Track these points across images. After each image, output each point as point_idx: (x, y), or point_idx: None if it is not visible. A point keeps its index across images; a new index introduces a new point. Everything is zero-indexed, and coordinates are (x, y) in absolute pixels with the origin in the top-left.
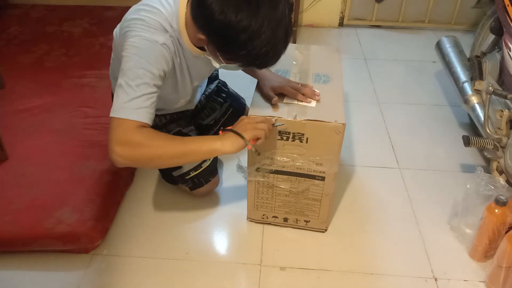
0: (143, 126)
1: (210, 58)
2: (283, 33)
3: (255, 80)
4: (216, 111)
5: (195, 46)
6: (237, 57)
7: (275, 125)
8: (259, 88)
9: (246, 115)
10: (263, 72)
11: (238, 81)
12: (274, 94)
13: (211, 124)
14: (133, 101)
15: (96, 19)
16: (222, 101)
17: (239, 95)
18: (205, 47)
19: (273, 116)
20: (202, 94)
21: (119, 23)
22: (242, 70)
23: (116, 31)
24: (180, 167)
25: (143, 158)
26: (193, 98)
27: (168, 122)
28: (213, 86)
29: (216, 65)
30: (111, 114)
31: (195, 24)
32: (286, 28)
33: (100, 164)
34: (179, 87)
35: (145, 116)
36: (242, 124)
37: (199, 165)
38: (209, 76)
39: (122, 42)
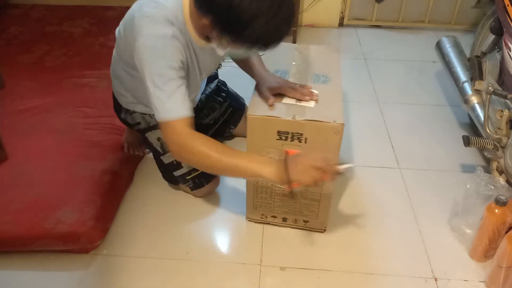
0: (190, 122)
1: (214, 45)
2: (285, 12)
3: (253, 80)
4: (215, 111)
5: (200, 36)
6: (241, 38)
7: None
8: (257, 88)
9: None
10: (262, 73)
11: (238, 81)
12: (271, 95)
13: (210, 123)
14: (168, 102)
15: (96, 19)
16: (221, 100)
17: (239, 95)
18: (210, 34)
19: (275, 116)
20: (202, 93)
21: (122, 21)
22: (241, 68)
23: (120, 29)
24: (181, 167)
25: (195, 162)
26: (195, 97)
27: None
28: (213, 85)
29: (221, 52)
30: (157, 117)
31: (198, 11)
32: (289, 7)
33: (100, 164)
34: (190, 80)
35: (185, 110)
36: (297, 160)
37: None
38: (208, 76)
39: (131, 43)
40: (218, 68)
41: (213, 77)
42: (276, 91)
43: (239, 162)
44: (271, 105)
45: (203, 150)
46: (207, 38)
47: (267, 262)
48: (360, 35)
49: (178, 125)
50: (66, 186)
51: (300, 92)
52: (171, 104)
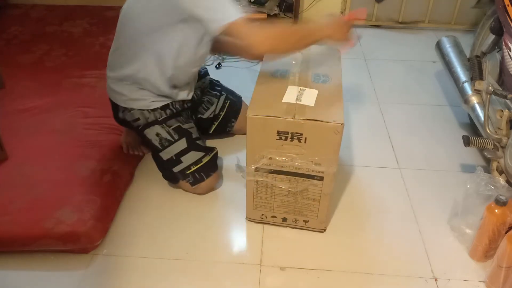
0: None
1: None
2: None
3: (253, 80)
4: (213, 104)
5: None
6: None
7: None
8: None
9: (244, 110)
10: None
11: (238, 81)
12: None
13: (211, 117)
14: (233, 8)
15: (96, 19)
16: (218, 93)
17: (232, 90)
18: None
19: (274, 116)
20: (196, 88)
21: None
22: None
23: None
24: (180, 162)
25: (280, 40)
26: (192, 85)
27: (168, 118)
28: (205, 80)
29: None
30: (223, 23)
31: None
32: None
33: (100, 164)
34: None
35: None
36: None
37: (200, 160)
38: (198, 74)
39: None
40: (217, 67)
41: (204, 74)
42: None
43: (310, 28)
44: None
45: (281, 26)
46: None
47: (267, 262)
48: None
49: (247, 21)
50: (66, 186)
51: None
52: (235, 8)
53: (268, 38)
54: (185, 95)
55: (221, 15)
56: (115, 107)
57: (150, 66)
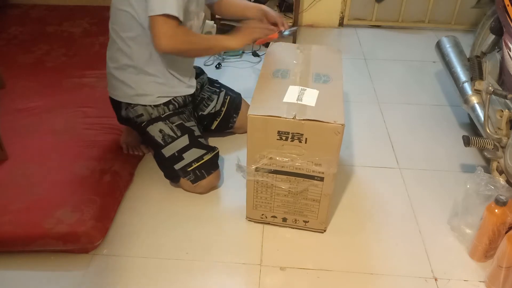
0: (178, 21)
1: None
2: None
3: (253, 80)
4: (213, 100)
5: None
6: None
7: (284, 33)
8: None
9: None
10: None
11: (236, 82)
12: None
13: (212, 113)
14: (169, 1)
15: (96, 19)
16: (217, 90)
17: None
18: None
19: (275, 116)
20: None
21: None
22: (233, 13)
23: None
24: (182, 159)
25: (185, 46)
26: (192, 79)
27: (171, 114)
28: (204, 76)
29: None
30: (152, 14)
31: None
32: None
33: (100, 164)
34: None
35: (180, 14)
36: (242, 28)
37: (201, 157)
38: (196, 72)
39: None
40: (217, 67)
41: (200, 73)
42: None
43: (213, 42)
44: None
45: (191, 34)
46: None
47: (267, 262)
48: (360, 35)
49: (172, 20)
50: (66, 186)
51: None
52: (171, 3)
53: (176, 43)
54: (188, 90)
55: (152, 3)
56: (117, 107)
57: (133, 44)
